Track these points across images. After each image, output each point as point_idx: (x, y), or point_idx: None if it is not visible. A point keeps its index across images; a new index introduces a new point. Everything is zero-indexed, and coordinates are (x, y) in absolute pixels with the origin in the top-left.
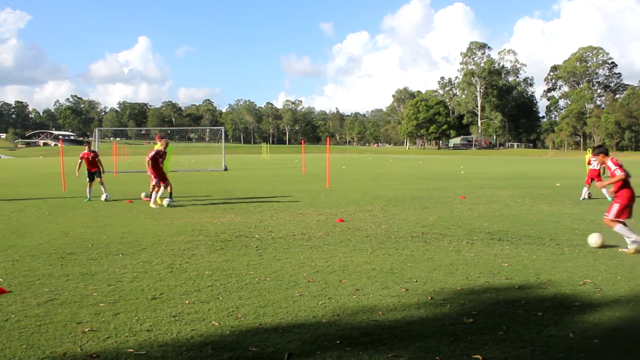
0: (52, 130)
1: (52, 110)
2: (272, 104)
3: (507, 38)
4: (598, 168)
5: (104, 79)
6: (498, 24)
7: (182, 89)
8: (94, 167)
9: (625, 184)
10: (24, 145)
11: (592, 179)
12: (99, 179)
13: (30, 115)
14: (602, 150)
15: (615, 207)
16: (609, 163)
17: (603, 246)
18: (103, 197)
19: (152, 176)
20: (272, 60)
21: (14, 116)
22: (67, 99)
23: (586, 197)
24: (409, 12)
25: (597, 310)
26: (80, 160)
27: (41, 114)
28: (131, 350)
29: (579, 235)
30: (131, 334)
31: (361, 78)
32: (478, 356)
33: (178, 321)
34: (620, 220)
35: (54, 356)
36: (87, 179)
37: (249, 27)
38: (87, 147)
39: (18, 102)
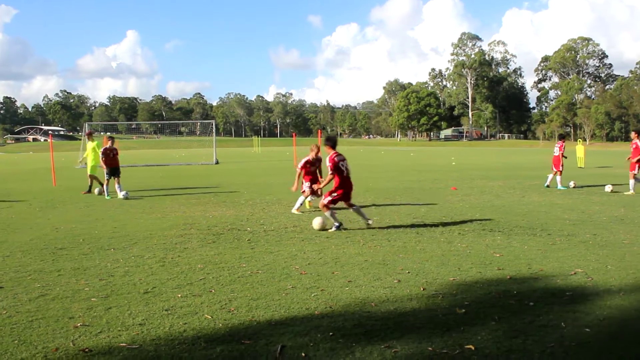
0: (41, 125)
1: (41, 106)
2: (262, 97)
3: (497, 29)
4: (558, 154)
5: (92, 74)
6: (487, 15)
7: (172, 83)
8: (114, 163)
9: (341, 179)
10: (13, 141)
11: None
12: (116, 177)
13: (19, 111)
14: (327, 143)
15: (330, 197)
16: (327, 160)
17: (324, 229)
18: (122, 194)
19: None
20: (262, 54)
21: (2, 112)
22: (57, 94)
23: (570, 185)
24: (397, 4)
25: (588, 299)
26: (102, 156)
27: (30, 109)
28: (124, 344)
29: (569, 225)
30: (123, 328)
31: (350, 70)
32: (470, 346)
33: (170, 315)
34: (332, 206)
35: (46, 351)
36: (107, 175)
37: (237, 21)
38: (110, 142)
39: (6, 97)
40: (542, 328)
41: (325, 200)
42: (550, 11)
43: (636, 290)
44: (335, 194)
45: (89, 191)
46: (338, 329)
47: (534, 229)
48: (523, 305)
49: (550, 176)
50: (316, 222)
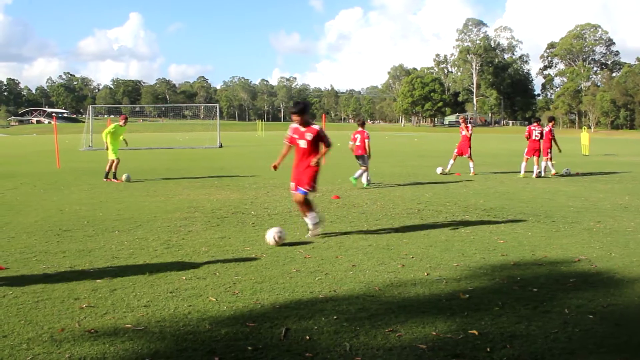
0: (45, 107)
1: (45, 88)
2: (266, 81)
3: (500, 14)
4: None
5: (93, 56)
6: (490, 0)
7: (173, 66)
8: (360, 150)
9: None
10: (17, 123)
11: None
12: (364, 166)
13: (22, 93)
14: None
15: None
16: None
17: None
18: (364, 179)
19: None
20: (265, 37)
21: (5, 93)
22: (60, 76)
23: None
24: None
25: (592, 286)
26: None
27: (34, 91)
28: (129, 325)
29: (574, 212)
30: (129, 310)
31: (351, 54)
32: (474, 331)
33: (175, 297)
34: None
35: (52, 332)
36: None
37: (240, 4)
38: (361, 125)
39: (10, 79)
40: (546, 314)
41: None
42: None
43: None
44: None
45: (115, 177)
46: (342, 313)
47: (537, 216)
48: (526, 292)
49: (543, 163)
50: None
